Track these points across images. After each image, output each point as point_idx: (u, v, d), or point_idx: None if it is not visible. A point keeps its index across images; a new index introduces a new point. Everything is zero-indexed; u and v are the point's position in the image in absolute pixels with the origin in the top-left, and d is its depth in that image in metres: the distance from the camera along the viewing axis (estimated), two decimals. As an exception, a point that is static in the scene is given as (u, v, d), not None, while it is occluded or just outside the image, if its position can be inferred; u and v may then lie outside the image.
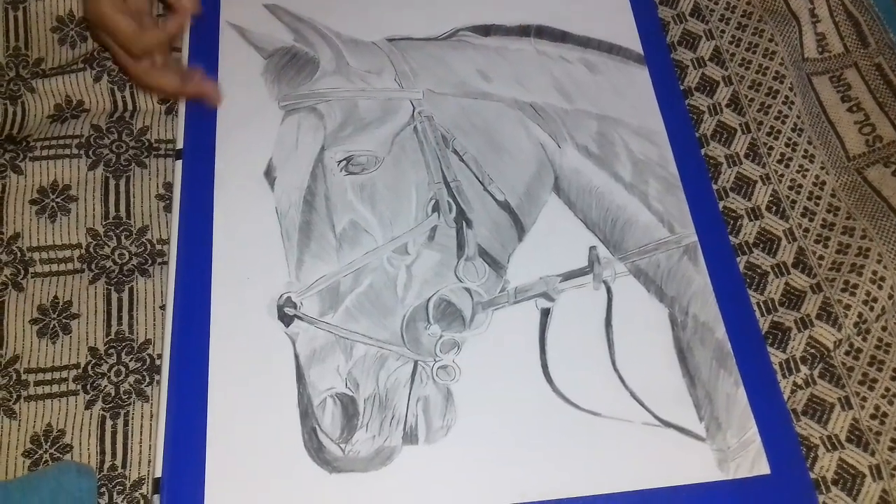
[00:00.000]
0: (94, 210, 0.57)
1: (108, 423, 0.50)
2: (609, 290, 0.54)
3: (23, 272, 0.55)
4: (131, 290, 0.55)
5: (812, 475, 0.49)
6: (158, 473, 0.48)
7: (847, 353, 0.53)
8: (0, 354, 0.52)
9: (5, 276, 0.54)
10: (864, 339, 0.53)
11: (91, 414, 0.51)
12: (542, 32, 0.65)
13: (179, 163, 0.58)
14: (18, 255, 0.55)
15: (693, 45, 0.65)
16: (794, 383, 0.52)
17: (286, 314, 0.52)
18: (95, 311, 0.54)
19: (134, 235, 0.57)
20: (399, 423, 0.49)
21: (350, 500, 0.47)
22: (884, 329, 0.53)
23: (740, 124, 0.61)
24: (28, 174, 0.57)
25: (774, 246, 0.57)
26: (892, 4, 0.68)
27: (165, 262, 0.56)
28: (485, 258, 0.55)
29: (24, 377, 0.51)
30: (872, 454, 0.49)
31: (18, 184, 0.57)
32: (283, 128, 0.59)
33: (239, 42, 0.63)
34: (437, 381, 0.51)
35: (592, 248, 0.55)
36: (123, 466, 0.49)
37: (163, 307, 0.54)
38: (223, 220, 0.56)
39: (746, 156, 0.60)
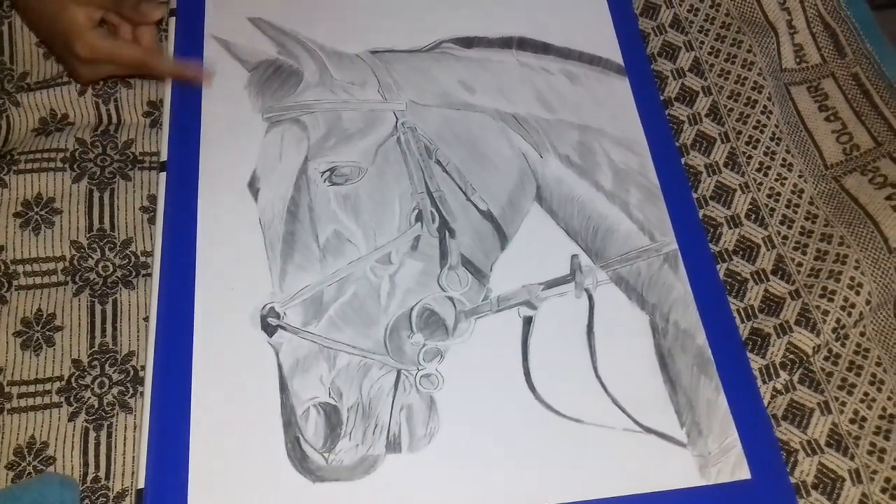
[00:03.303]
0: (78, 223, 0.57)
1: (92, 434, 0.50)
2: (591, 298, 0.54)
3: (6, 285, 0.55)
4: (115, 302, 0.55)
5: (792, 480, 0.49)
6: (142, 485, 0.48)
7: (826, 359, 0.53)
8: (-17, 367, 0.52)
9: (-11, 288, 0.54)
10: (843, 345, 0.54)
11: (74, 426, 0.51)
12: (524, 44, 0.66)
13: (163, 175, 0.58)
14: (2, 267, 0.55)
15: (673, 56, 0.66)
16: (774, 389, 0.52)
17: (269, 324, 0.52)
18: (79, 324, 0.54)
19: (118, 248, 0.57)
20: (382, 432, 0.49)
21: (333, 510, 0.47)
22: (862, 334, 0.54)
23: (719, 134, 0.62)
24: (12, 187, 0.58)
25: (754, 253, 0.57)
26: (869, 15, 0.69)
27: (149, 274, 0.56)
28: (467, 267, 0.55)
29: (7, 389, 0.51)
30: (852, 458, 0.50)
31: (2, 197, 0.57)
32: (267, 139, 0.59)
33: (223, 55, 0.64)
34: (420, 390, 0.51)
35: (574, 257, 0.56)
36: (107, 478, 0.49)
37: (146, 319, 0.54)
38: (207, 231, 0.56)
39: (726, 165, 0.61)
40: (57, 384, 0.52)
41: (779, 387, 0.52)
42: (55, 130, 0.60)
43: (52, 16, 0.56)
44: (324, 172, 0.58)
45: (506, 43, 0.66)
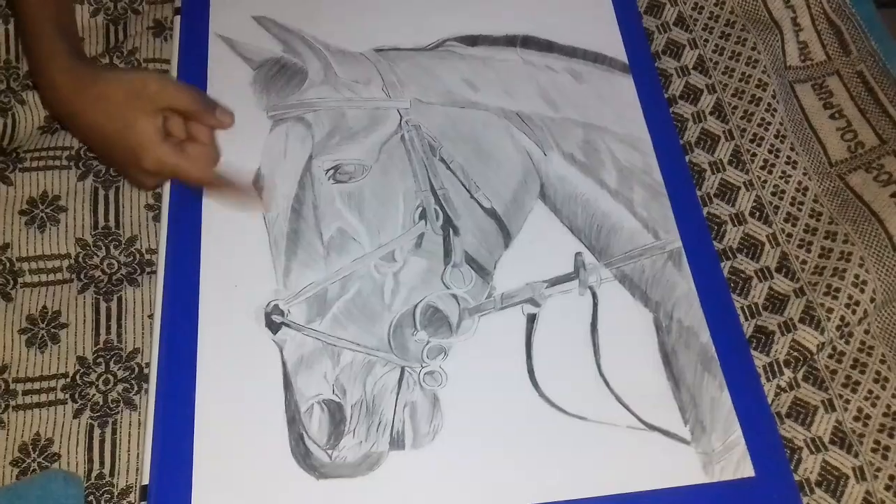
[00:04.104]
0: (83, 220, 0.57)
1: (96, 431, 0.51)
2: (594, 296, 0.54)
3: (12, 282, 0.55)
4: (120, 299, 0.55)
5: (796, 477, 0.49)
6: (146, 481, 0.48)
7: (830, 357, 0.53)
8: (-11, 364, 0.52)
9: (-6, 285, 0.55)
10: (847, 343, 0.53)
11: (79, 423, 0.51)
12: (528, 42, 0.66)
13: (168, 173, 0.58)
14: (8, 265, 0.55)
15: (677, 54, 0.66)
16: (778, 386, 0.52)
17: (274, 321, 0.52)
18: (84, 321, 0.54)
19: (123, 245, 0.57)
20: (386, 429, 0.49)
21: (337, 506, 0.47)
22: (866, 332, 0.54)
23: (724, 131, 0.62)
24: (18, 185, 0.58)
25: (758, 251, 0.57)
26: (874, 13, 0.69)
27: (154, 272, 0.56)
28: (471, 265, 0.55)
29: (12, 387, 0.52)
30: (856, 456, 0.50)
31: (8, 195, 0.57)
32: (272, 137, 0.60)
33: (228, 53, 0.64)
34: (423, 387, 0.51)
35: (578, 255, 0.56)
36: (111, 475, 0.50)
37: (151, 316, 0.54)
38: (211, 229, 0.56)
39: (730, 162, 0.61)
40: (62, 381, 0.52)
41: (783, 384, 0.52)
42: (60, 129, 0.61)
43: (120, 131, 0.53)
44: (328, 170, 0.58)
45: (510, 41, 0.66)
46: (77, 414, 0.51)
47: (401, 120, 0.60)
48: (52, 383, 0.52)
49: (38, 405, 0.51)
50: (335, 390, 0.50)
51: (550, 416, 0.50)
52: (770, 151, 0.61)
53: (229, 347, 0.52)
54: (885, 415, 0.51)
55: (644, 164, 0.60)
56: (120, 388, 0.52)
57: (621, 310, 0.54)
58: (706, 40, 0.67)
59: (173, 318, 0.53)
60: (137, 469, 0.50)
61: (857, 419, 0.51)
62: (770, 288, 0.56)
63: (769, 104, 0.63)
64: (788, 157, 0.61)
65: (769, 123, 0.62)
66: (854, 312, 0.54)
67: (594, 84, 0.64)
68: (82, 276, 0.56)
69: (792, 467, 0.50)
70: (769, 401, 0.51)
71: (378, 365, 0.51)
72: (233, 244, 0.55)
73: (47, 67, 0.55)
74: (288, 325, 0.52)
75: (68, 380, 0.52)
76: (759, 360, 0.53)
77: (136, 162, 0.54)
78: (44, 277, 0.55)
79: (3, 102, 0.60)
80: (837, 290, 0.54)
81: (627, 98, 0.63)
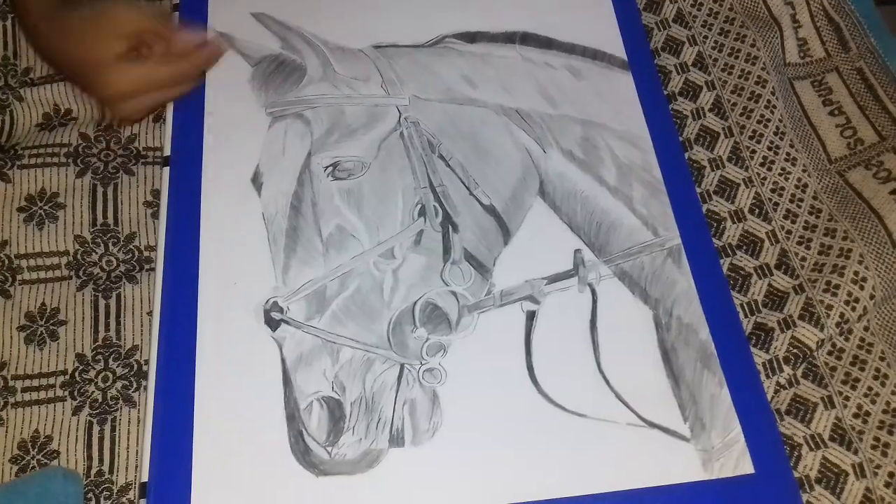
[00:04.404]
0: (81, 217, 0.57)
1: (96, 428, 0.51)
2: (594, 293, 0.54)
3: (10, 279, 0.55)
4: (119, 296, 0.55)
5: (796, 474, 0.49)
6: (145, 478, 0.48)
7: (830, 353, 0.53)
8: (-13, 361, 0.52)
9: (-7, 283, 0.55)
10: (847, 339, 0.53)
11: (78, 420, 0.51)
12: (527, 39, 0.66)
13: (167, 170, 0.58)
14: (6, 262, 0.55)
15: (676, 51, 0.66)
16: (778, 383, 0.52)
17: (273, 318, 0.52)
18: (83, 318, 0.54)
19: (121, 242, 0.57)
20: (385, 426, 0.49)
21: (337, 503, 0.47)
22: (866, 329, 0.54)
23: (723, 128, 0.62)
24: (16, 182, 0.58)
25: (757, 248, 0.57)
26: (873, 10, 0.69)
27: (153, 269, 0.56)
28: (471, 262, 0.55)
29: (11, 384, 0.52)
30: (855, 453, 0.50)
31: (6, 192, 0.57)
32: (270, 134, 0.59)
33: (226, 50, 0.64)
34: (423, 384, 0.51)
35: (577, 252, 0.56)
36: (110, 472, 0.49)
37: (150, 313, 0.54)
38: (210, 226, 0.56)
39: (729, 159, 0.61)
40: (61, 378, 0.52)
41: (782, 381, 0.52)
42: (59, 125, 0.60)
43: (83, 55, 0.53)
44: (327, 167, 0.58)
45: (509, 38, 0.66)
46: (76, 411, 0.51)
47: (400, 117, 0.60)
48: (51, 380, 0.52)
49: (37, 402, 0.51)
50: (334, 387, 0.50)
51: (550, 413, 0.50)
52: (769, 148, 0.61)
53: (228, 344, 0.52)
54: (884, 412, 0.51)
55: (643, 161, 0.59)
56: (119, 385, 0.52)
57: (621, 307, 0.54)
58: (705, 37, 0.67)
59: (172, 316, 0.53)
60: (137, 466, 0.50)
61: (856, 416, 0.51)
62: (769, 285, 0.56)
63: (768, 101, 0.63)
64: (788, 154, 0.61)
65: (768, 120, 0.62)
66: (854, 309, 0.54)
67: (593, 81, 0.63)
68: (81, 274, 0.55)
69: (791, 464, 0.50)
70: (769, 398, 0.51)
71: (377, 362, 0.51)
72: (232, 241, 0.55)
73: (32, 20, 0.56)
74: (287, 322, 0.52)
75: (67, 377, 0.52)
76: (759, 356, 0.53)
77: (102, 84, 0.53)
78: (42, 275, 0.55)
79: (0, 100, 0.60)
80: (837, 286, 0.54)
81: (626, 95, 0.63)
